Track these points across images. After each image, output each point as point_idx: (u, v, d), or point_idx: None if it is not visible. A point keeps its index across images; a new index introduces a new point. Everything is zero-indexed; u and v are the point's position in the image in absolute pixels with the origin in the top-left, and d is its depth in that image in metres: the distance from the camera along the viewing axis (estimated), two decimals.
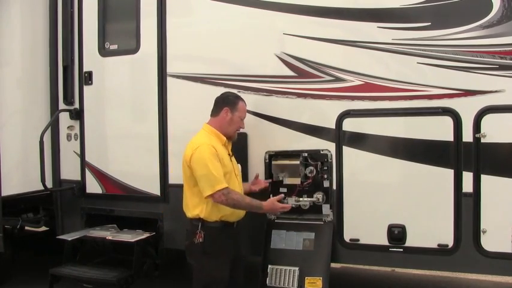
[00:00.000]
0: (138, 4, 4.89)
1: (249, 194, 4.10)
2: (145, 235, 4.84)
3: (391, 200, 4.07)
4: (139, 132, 4.99)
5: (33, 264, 6.17)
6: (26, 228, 5.97)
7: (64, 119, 5.31)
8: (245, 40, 4.45)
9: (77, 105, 5.26)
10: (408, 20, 3.94)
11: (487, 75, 3.76)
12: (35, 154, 4.95)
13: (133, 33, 4.93)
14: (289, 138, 4.32)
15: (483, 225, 3.81)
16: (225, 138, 3.96)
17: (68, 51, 5.25)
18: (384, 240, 4.06)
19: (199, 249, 3.77)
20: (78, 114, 5.23)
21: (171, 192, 4.77)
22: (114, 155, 5.11)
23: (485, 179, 3.78)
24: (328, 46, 4.14)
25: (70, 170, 5.32)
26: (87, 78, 5.18)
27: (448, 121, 3.85)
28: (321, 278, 4.09)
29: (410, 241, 4.00)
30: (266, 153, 4.39)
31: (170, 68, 4.75)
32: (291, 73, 4.27)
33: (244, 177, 4.28)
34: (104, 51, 5.11)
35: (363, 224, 4.15)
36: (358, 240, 4.16)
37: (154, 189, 4.85)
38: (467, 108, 3.80)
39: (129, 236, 4.81)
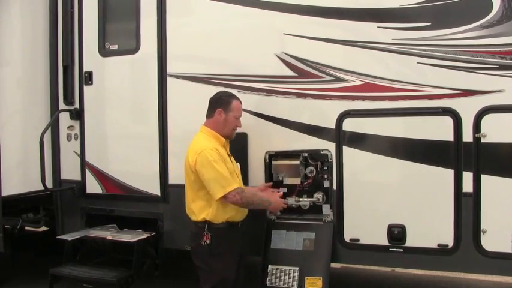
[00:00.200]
0: (138, 4, 4.89)
1: None
2: (146, 235, 4.84)
3: (391, 200, 4.07)
4: (139, 132, 4.99)
5: (33, 264, 6.17)
6: (26, 228, 5.96)
7: (64, 119, 5.31)
8: (245, 40, 4.45)
9: (77, 105, 5.26)
10: (408, 20, 3.94)
11: (487, 75, 3.76)
12: (35, 154, 4.95)
13: (133, 33, 4.93)
14: (289, 138, 4.31)
15: (483, 225, 3.81)
16: (223, 139, 3.97)
17: (68, 51, 5.25)
18: (384, 240, 4.06)
19: (206, 251, 3.78)
20: (78, 114, 5.23)
21: (171, 192, 4.77)
22: (114, 155, 5.11)
23: (485, 179, 3.78)
24: (328, 46, 4.14)
25: (70, 170, 5.32)
26: (87, 78, 5.18)
27: (448, 121, 3.85)
28: (321, 278, 4.09)
29: (411, 241, 4.00)
30: (266, 153, 4.39)
31: (170, 68, 4.75)
32: (291, 73, 4.27)
33: (244, 178, 4.28)
34: (104, 51, 5.12)
35: (363, 224, 4.14)
36: (358, 240, 4.16)
37: (155, 189, 4.86)
38: (467, 108, 3.80)
39: (129, 236, 4.81)
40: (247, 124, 4.25)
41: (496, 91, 3.74)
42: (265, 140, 4.40)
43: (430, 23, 3.88)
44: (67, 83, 5.27)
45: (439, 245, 3.92)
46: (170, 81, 4.75)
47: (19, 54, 5.23)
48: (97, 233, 5.04)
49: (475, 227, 3.82)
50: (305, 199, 4.28)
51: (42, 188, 5.00)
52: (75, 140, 5.28)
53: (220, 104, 3.95)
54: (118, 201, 5.10)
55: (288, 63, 4.27)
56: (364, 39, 4.05)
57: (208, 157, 3.70)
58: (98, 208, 5.22)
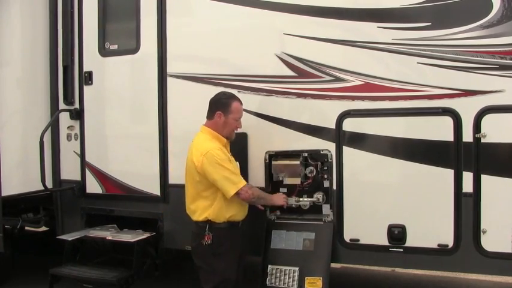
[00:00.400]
0: (138, 4, 4.89)
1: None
2: (145, 235, 4.84)
3: (391, 200, 4.07)
4: (139, 132, 5.00)
5: (33, 264, 6.17)
6: (26, 228, 5.97)
7: (64, 119, 5.31)
8: (245, 40, 4.45)
9: (77, 105, 5.26)
10: (408, 20, 3.94)
11: (487, 75, 3.75)
12: (35, 154, 4.95)
13: (133, 33, 4.93)
14: (289, 138, 4.31)
15: (483, 225, 3.81)
16: (224, 140, 4.00)
17: (68, 51, 5.25)
18: (384, 240, 4.06)
19: (208, 250, 3.80)
20: (78, 114, 5.23)
21: (171, 192, 4.77)
22: (114, 155, 5.11)
23: (485, 179, 3.78)
24: (328, 46, 4.14)
25: (70, 170, 5.32)
26: (87, 78, 5.18)
27: (448, 121, 3.85)
28: (321, 278, 4.09)
29: (411, 241, 4.00)
30: (266, 153, 4.39)
31: (170, 68, 4.75)
32: (291, 73, 4.27)
33: (245, 178, 4.24)
34: (104, 51, 5.12)
35: (363, 224, 4.14)
36: (358, 240, 4.16)
37: (155, 189, 4.86)
38: (467, 108, 3.80)
39: (129, 236, 4.81)
40: (248, 124, 4.25)
41: (496, 91, 3.73)
42: (265, 140, 4.40)
43: (430, 23, 3.88)
44: (67, 83, 5.27)
45: (439, 245, 3.92)
46: (170, 81, 4.74)
47: (19, 54, 5.23)
48: (97, 233, 5.04)
49: (475, 227, 3.82)
50: (305, 199, 4.29)
51: (42, 188, 5.00)
52: (75, 140, 5.28)
53: (219, 106, 3.96)
54: (118, 201, 5.10)
55: (288, 63, 4.27)
56: (364, 39, 4.05)
57: (215, 157, 3.75)
58: (98, 208, 5.22)
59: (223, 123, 3.95)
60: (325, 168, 4.24)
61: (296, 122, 4.29)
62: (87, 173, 5.20)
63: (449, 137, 3.85)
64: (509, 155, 3.75)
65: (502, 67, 3.71)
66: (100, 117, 5.16)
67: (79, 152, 5.25)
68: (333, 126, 4.16)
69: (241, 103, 4.06)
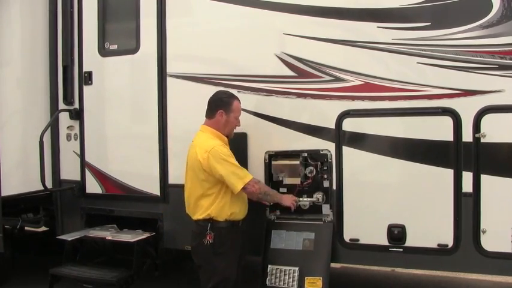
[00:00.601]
0: (138, 4, 4.89)
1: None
2: (145, 235, 4.84)
3: (391, 200, 4.07)
4: (139, 132, 4.99)
5: (33, 264, 6.17)
6: (26, 228, 5.97)
7: (64, 119, 5.31)
8: (245, 40, 4.45)
9: (76, 105, 5.26)
10: (408, 20, 3.94)
11: (487, 75, 3.75)
12: (35, 154, 4.95)
13: (133, 33, 4.93)
14: (289, 138, 4.32)
15: (483, 225, 3.81)
16: (226, 138, 4.02)
17: (67, 51, 5.25)
18: (383, 240, 4.06)
19: (209, 250, 3.81)
20: (78, 114, 5.24)
21: (171, 192, 4.77)
22: (114, 155, 5.11)
23: (485, 179, 3.78)
24: (328, 46, 4.14)
25: (70, 170, 5.32)
26: (87, 78, 5.18)
27: (447, 121, 3.85)
28: (321, 278, 4.09)
29: (410, 241, 4.00)
30: (266, 153, 4.39)
31: (170, 68, 4.75)
32: (291, 73, 4.27)
33: None
34: (103, 51, 5.12)
35: (363, 224, 4.14)
36: (358, 240, 4.16)
37: (154, 189, 4.85)
38: (467, 108, 3.80)
39: (129, 236, 4.81)
40: (247, 124, 4.25)
41: (495, 91, 3.74)
42: (265, 140, 4.40)
43: (429, 23, 3.88)
44: (67, 83, 5.27)
45: (438, 245, 3.92)
46: (170, 81, 4.74)
47: (19, 54, 5.23)
48: (97, 233, 5.04)
49: (474, 227, 3.82)
50: (305, 199, 4.28)
51: (42, 188, 5.00)
52: (75, 140, 5.28)
53: (221, 105, 3.97)
54: (118, 201, 5.10)
55: (288, 63, 4.27)
56: (364, 39, 4.05)
57: (220, 153, 3.79)
58: (97, 208, 5.21)
59: (225, 122, 3.96)
60: (325, 168, 4.24)
61: (296, 122, 4.29)
62: (87, 173, 5.20)
63: (449, 137, 3.85)
64: (509, 155, 3.75)
65: (502, 67, 3.71)
66: (100, 117, 5.16)
67: (79, 152, 5.25)
68: (333, 126, 4.16)
69: (240, 102, 4.08)
